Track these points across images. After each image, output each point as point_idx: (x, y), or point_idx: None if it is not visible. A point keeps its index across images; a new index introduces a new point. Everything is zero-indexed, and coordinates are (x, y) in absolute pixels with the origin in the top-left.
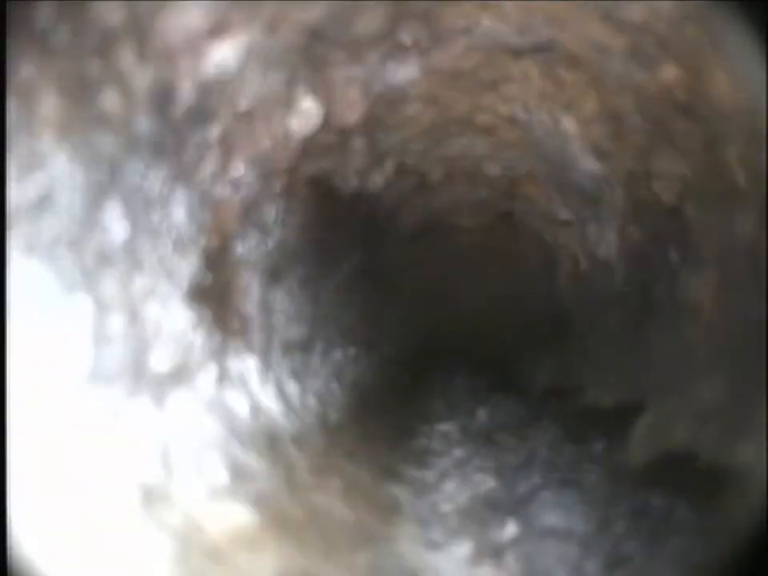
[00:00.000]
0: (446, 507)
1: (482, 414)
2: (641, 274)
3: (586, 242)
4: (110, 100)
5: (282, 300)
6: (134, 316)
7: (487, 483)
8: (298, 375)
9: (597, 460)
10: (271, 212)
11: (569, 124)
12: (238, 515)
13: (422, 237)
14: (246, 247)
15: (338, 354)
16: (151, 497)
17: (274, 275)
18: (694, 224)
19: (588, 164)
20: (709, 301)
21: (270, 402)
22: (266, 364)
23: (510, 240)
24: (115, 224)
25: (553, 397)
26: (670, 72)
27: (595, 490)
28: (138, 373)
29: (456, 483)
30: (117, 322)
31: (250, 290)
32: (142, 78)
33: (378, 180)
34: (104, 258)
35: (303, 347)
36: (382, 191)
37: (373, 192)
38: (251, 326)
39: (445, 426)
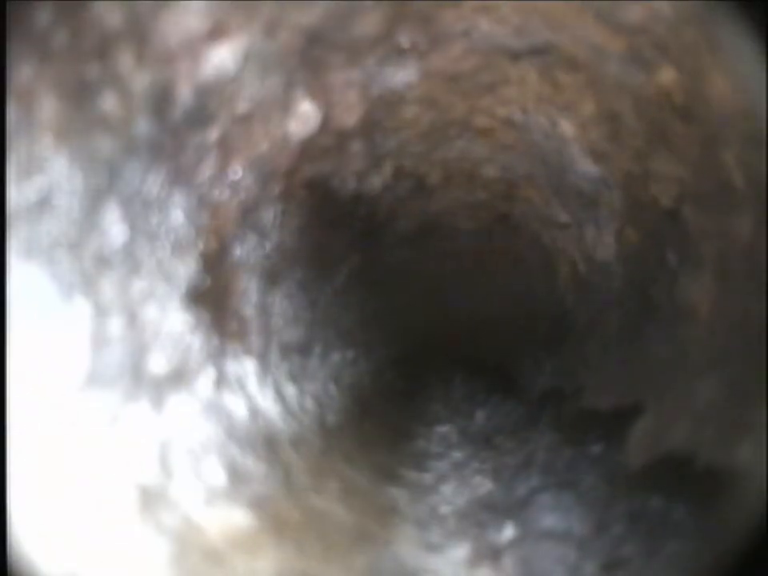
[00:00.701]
0: (445, 509)
1: (480, 417)
2: (639, 276)
3: (584, 244)
4: (109, 103)
5: (280, 303)
6: (132, 319)
7: (485, 485)
8: (296, 378)
9: (595, 462)
10: (269, 215)
11: (566, 126)
12: (236, 517)
13: (420, 239)
14: (245, 250)
15: (336, 357)
16: (149, 499)
17: (272, 278)
18: (691, 226)
19: (586, 166)
20: (707, 303)
21: (268, 404)
22: (264, 367)
23: (508, 242)
24: (114, 227)
25: (551, 399)
26: (667, 74)
27: (593, 492)
28: (136, 375)
29: (454, 485)
30: (115, 325)
31: (248, 293)
32: (140, 80)
33: (376, 183)
34: (103, 261)
35: (301, 350)
36: (380, 194)
37: (371, 195)
38: (249, 328)
39: (443, 429)
